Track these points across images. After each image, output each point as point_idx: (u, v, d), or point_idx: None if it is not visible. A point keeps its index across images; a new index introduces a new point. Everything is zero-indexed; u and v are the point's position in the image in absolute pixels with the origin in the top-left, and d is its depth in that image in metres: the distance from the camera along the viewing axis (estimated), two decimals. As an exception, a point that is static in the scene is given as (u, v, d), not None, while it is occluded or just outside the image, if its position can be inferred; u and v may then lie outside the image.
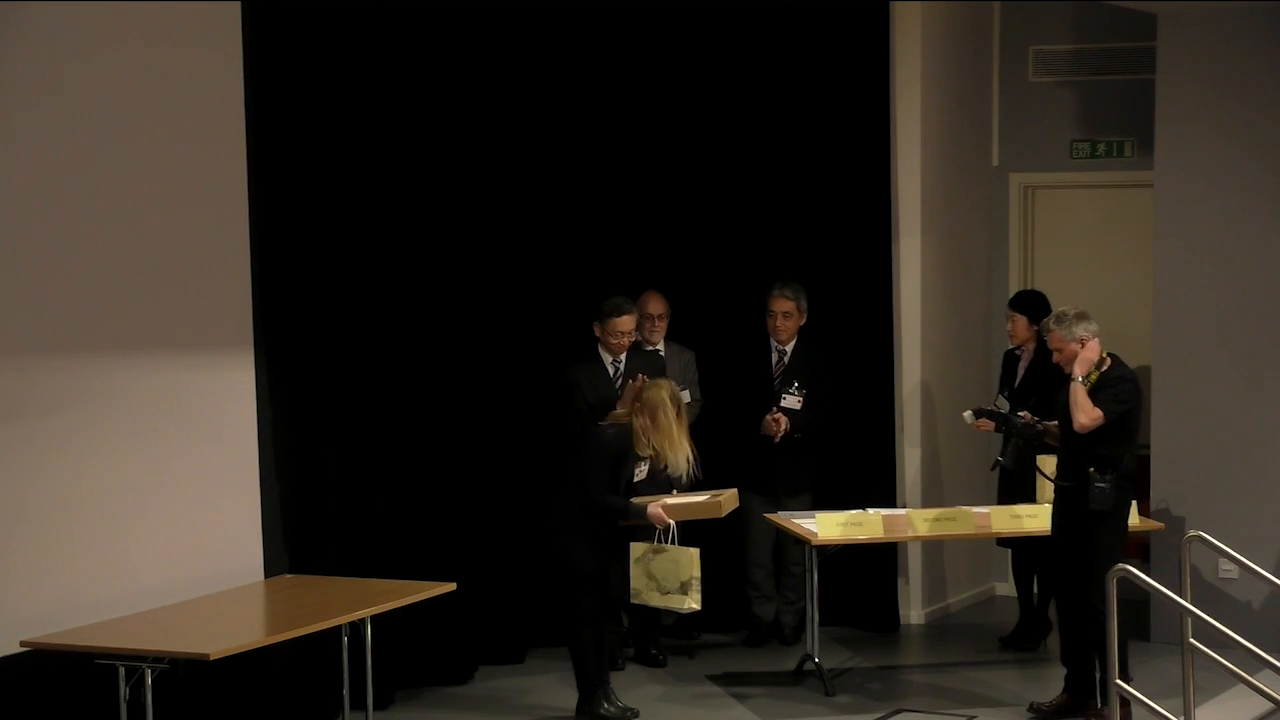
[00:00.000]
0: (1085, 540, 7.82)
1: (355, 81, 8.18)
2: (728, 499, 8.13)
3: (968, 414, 8.56)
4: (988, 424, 8.62)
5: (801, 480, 9.43)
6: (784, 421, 9.25)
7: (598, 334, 8.92)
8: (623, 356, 8.94)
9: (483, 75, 8.86)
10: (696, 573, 7.76)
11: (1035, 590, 9.45)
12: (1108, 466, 7.75)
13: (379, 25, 8.27)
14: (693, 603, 7.78)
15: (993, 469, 8.88)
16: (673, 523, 7.81)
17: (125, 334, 7.09)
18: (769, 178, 9.88)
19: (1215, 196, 9.39)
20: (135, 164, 7.09)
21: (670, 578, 7.80)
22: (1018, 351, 9.38)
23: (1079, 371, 7.80)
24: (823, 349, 9.53)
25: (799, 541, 8.80)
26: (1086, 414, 7.72)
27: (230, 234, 7.56)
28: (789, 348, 9.41)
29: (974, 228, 10.63)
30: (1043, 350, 9.24)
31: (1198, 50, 9.36)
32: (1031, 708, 8.18)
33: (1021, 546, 9.39)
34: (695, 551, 7.78)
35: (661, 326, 9.27)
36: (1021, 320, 9.26)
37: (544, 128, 9.21)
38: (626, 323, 8.83)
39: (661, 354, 9.27)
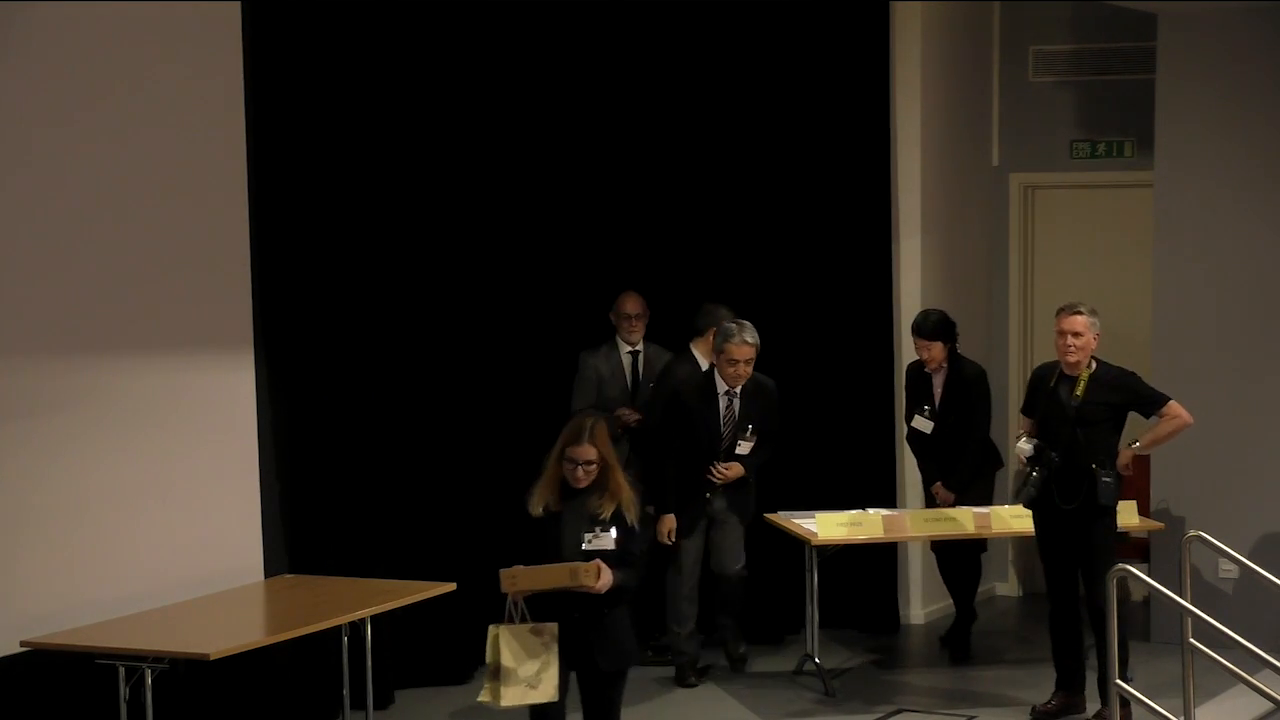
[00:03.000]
0: (1087, 540, 7.84)
1: (355, 81, 8.19)
2: (559, 573, 6.39)
3: (1028, 446, 8.01)
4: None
5: (743, 509, 8.99)
6: (734, 469, 8.74)
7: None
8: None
9: (482, 75, 8.85)
10: (488, 658, 6.47)
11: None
12: (1107, 462, 7.79)
13: (379, 25, 8.27)
14: (484, 694, 6.52)
15: (1016, 500, 8.67)
16: (508, 594, 6.44)
17: (125, 334, 7.09)
18: (769, 178, 9.88)
19: (1215, 196, 9.39)
20: (135, 164, 7.09)
21: None
22: (927, 370, 9.26)
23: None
24: (766, 378, 8.84)
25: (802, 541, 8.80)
26: (1179, 423, 7.93)
27: (230, 234, 7.56)
28: (738, 388, 8.73)
29: (974, 228, 10.63)
30: (954, 368, 9.19)
31: (1198, 50, 9.36)
32: (1034, 712, 8.17)
33: (948, 550, 9.40)
34: (491, 632, 6.48)
35: (640, 326, 9.29)
36: (939, 346, 9.16)
37: (543, 127, 9.21)
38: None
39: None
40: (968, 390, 9.21)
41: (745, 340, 8.58)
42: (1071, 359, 7.91)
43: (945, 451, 9.22)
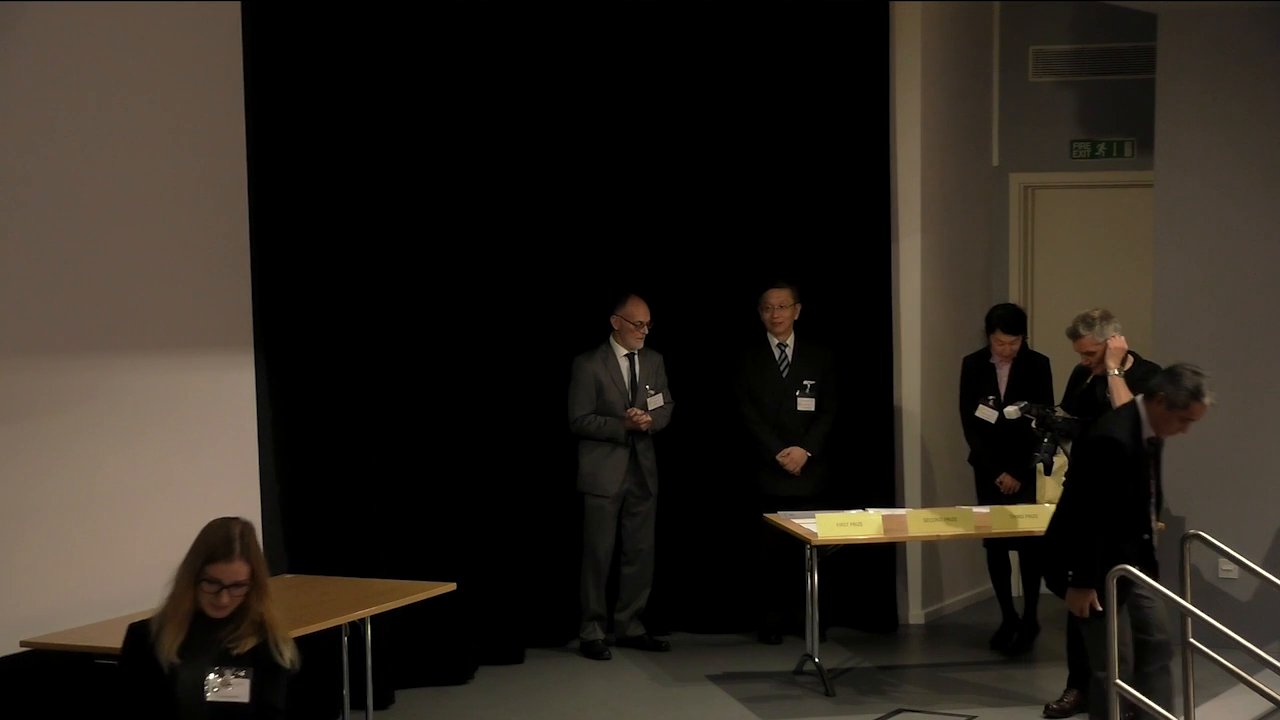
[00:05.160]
0: None
1: (355, 82, 8.19)
2: None
3: (1013, 409, 8.53)
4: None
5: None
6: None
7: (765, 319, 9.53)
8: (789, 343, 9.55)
9: (482, 76, 8.86)
10: None
11: (1018, 594, 9.53)
12: None
13: (379, 25, 8.27)
14: None
15: (1030, 466, 8.78)
16: None
17: (125, 334, 7.08)
18: (769, 178, 9.88)
19: (1215, 196, 9.40)
20: (135, 164, 7.09)
21: None
22: (992, 360, 9.32)
23: (1113, 365, 7.89)
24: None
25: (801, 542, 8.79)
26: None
27: (230, 234, 7.56)
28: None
29: (974, 228, 10.64)
30: (1024, 357, 9.23)
31: (1198, 50, 9.36)
32: (1047, 711, 8.16)
33: (998, 547, 9.39)
34: None
35: (646, 332, 9.31)
36: (1019, 340, 9.22)
37: (543, 127, 9.22)
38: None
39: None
40: (1039, 379, 9.23)
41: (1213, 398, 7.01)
42: (1099, 372, 8.03)
43: (1010, 440, 9.13)
